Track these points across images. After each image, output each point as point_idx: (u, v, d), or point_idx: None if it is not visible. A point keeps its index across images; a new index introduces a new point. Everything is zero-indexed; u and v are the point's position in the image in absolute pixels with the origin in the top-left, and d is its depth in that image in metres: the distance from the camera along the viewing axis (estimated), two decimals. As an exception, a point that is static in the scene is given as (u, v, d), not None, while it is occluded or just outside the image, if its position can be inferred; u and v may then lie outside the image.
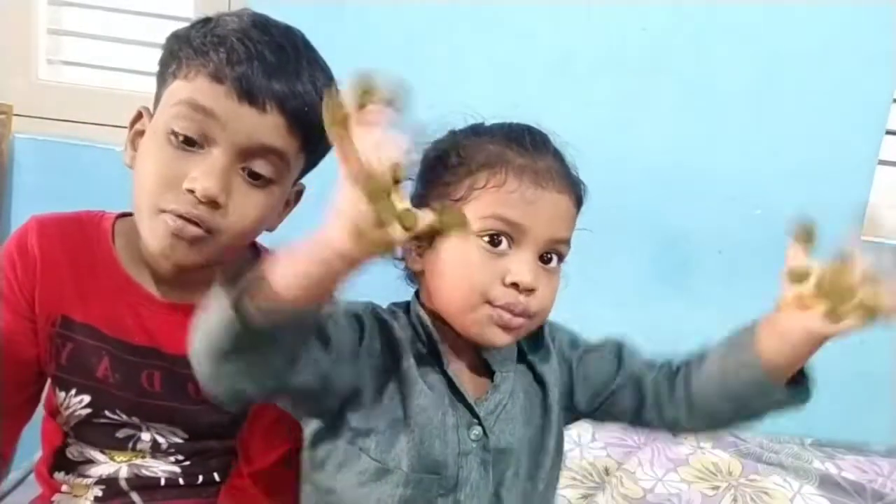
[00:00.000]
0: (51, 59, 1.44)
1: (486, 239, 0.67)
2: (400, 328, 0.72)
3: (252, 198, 0.72)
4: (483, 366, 0.75)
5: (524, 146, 0.70)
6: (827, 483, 1.35)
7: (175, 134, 0.69)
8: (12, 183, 1.41)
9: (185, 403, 0.79)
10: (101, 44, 1.42)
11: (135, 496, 0.83)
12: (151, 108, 0.76)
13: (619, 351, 0.81)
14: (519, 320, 0.68)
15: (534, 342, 0.79)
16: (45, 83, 1.43)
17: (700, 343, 1.52)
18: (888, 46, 1.46)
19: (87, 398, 0.79)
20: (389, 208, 0.47)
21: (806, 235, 0.72)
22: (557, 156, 0.72)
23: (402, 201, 0.48)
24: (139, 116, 0.76)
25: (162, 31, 1.39)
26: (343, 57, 1.52)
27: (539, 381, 0.77)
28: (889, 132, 1.51)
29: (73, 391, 0.79)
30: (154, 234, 0.71)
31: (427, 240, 0.68)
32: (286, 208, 0.81)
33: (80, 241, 0.79)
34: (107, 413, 0.79)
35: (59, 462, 0.84)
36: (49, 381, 0.82)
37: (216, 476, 0.85)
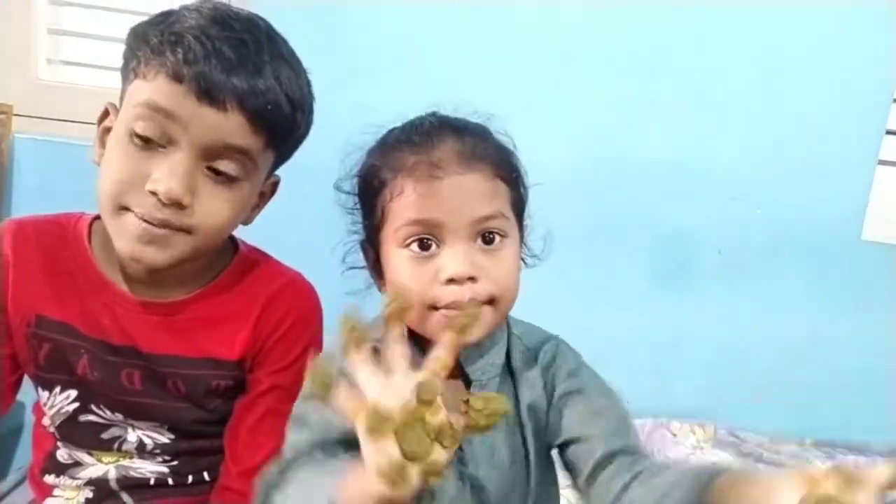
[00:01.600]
0: (51, 59, 1.44)
1: (415, 246, 0.66)
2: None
3: (219, 196, 0.71)
4: (462, 376, 0.73)
5: (414, 141, 0.68)
6: (827, 483, 1.35)
7: (136, 135, 0.68)
8: (12, 183, 1.41)
9: (166, 401, 0.79)
10: (101, 44, 1.42)
11: (125, 496, 0.82)
12: (118, 103, 0.74)
13: (595, 395, 0.76)
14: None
15: (532, 357, 0.76)
16: (45, 83, 1.42)
17: (700, 343, 1.53)
18: (888, 46, 1.46)
19: (73, 393, 0.79)
20: (419, 439, 0.44)
21: None
22: (459, 134, 0.68)
23: (436, 415, 0.45)
24: (106, 113, 0.75)
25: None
26: (343, 57, 1.53)
27: (517, 395, 0.74)
28: (889, 132, 1.51)
29: (58, 388, 0.79)
30: (120, 235, 0.70)
31: (377, 261, 0.71)
32: (261, 200, 0.81)
33: (56, 242, 0.78)
34: (93, 408, 0.79)
35: (50, 465, 0.83)
36: (32, 383, 0.82)
37: (206, 475, 0.85)
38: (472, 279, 0.65)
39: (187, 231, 0.70)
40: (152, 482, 0.83)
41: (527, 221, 0.75)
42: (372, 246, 0.72)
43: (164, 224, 0.68)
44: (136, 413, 0.80)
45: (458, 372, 0.73)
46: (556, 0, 1.43)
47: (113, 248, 0.75)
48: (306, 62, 0.81)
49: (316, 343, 0.83)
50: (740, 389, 1.58)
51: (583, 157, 1.45)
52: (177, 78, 0.66)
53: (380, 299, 0.73)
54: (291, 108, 0.73)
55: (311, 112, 0.79)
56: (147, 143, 0.68)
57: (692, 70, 1.47)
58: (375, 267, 0.73)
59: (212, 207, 0.70)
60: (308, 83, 0.78)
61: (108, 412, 0.80)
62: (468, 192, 0.66)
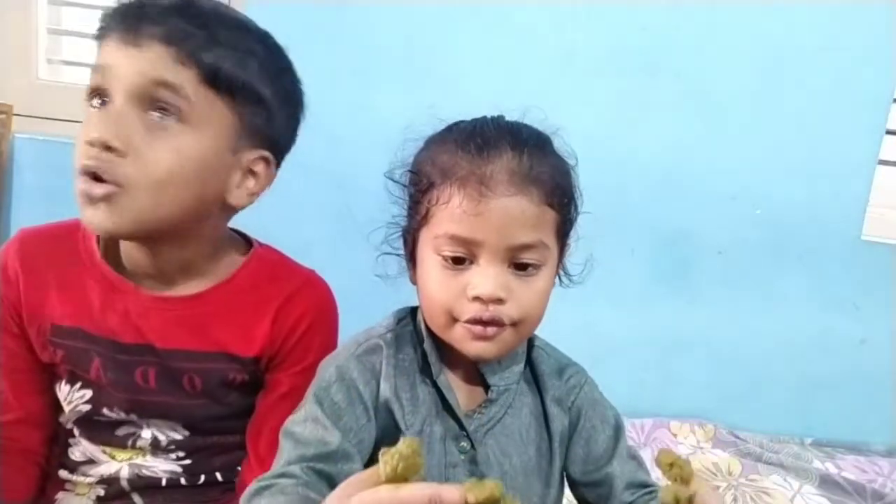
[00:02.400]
0: (51, 59, 1.44)
1: (449, 258, 0.66)
2: (396, 349, 0.73)
3: (158, 141, 0.69)
4: (480, 377, 0.74)
5: (471, 151, 0.66)
6: (827, 483, 1.35)
7: (91, 98, 0.70)
8: (12, 183, 1.41)
9: (181, 398, 0.79)
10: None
11: (136, 497, 0.83)
12: None
13: (616, 438, 0.77)
14: (492, 329, 0.66)
15: (557, 371, 0.78)
16: (45, 83, 1.43)
17: (700, 343, 1.53)
18: (888, 46, 1.46)
19: (88, 393, 0.79)
20: None
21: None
22: (518, 149, 0.66)
23: None
24: None
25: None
26: (343, 57, 1.53)
27: (543, 403, 0.76)
28: (889, 132, 1.51)
29: (79, 384, 0.80)
30: (78, 199, 0.70)
31: (413, 252, 0.72)
32: (249, 178, 0.77)
33: (64, 249, 0.79)
34: (105, 411, 0.80)
35: (64, 461, 0.84)
36: (56, 377, 0.82)
37: (219, 476, 0.85)
38: (498, 300, 0.65)
39: (128, 183, 0.68)
40: (164, 483, 0.83)
41: (571, 240, 0.74)
42: (411, 237, 0.72)
43: (99, 175, 0.67)
44: (151, 412, 0.80)
45: (479, 379, 0.74)
46: (556, 0, 1.43)
47: (120, 248, 0.77)
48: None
49: (332, 341, 0.84)
50: (740, 389, 1.58)
51: (583, 157, 1.45)
52: (106, 36, 0.70)
53: (412, 294, 0.74)
54: (216, 42, 0.71)
55: (280, 74, 0.77)
56: (100, 104, 0.70)
57: (692, 70, 1.47)
58: (411, 257, 0.73)
59: (150, 153, 0.69)
60: (273, 49, 0.77)
61: (123, 413, 0.80)
62: (513, 217, 0.64)
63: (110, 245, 0.79)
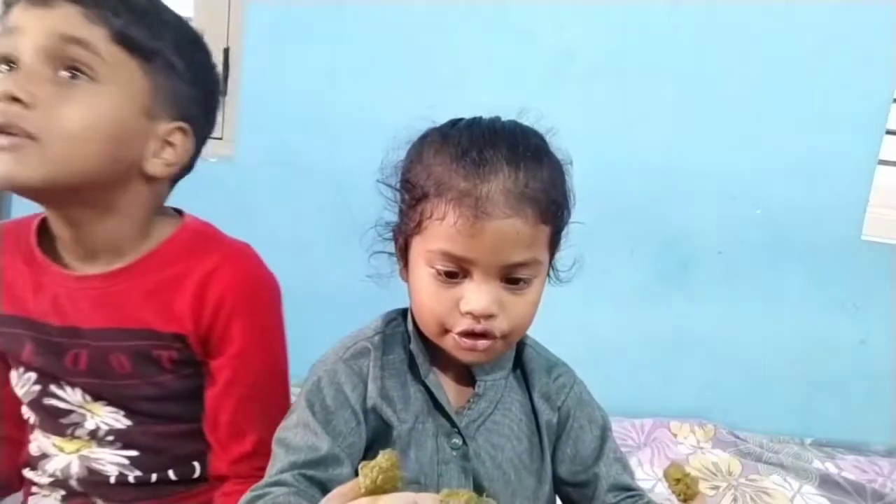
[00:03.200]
0: (51, 59, 1.44)
1: (442, 272, 0.66)
2: (384, 352, 0.74)
3: (68, 96, 0.69)
4: (469, 374, 0.75)
5: (467, 167, 0.65)
6: (827, 483, 1.35)
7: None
8: (12, 183, 1.41)
9: (111, 378, 0.78)
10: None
11: (97, 499, 0.82)
12: None
13: (602, 439, 0.78)
14: (484, 342, 0.68)
15: (546, 369, 0.79)
16: (44, 83, 1.43)
17: (700, 343, 1.53)
18: (888, 46, 1.46)
19: (33, 375, 0.79)
20: None
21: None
22: (514, 165, 0.66)
23: None
24: None
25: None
26: (343, 57, 1.53)
27: (531, 398, 0.77)
28: (889, 132, 1.51)
29: (22, 369, 0.80)
30: None
31: (405, 257, 0.72)
32: (167, 148, 0.76)
33: (16, 240, 0.80)
34: (53, 389, 0.79)
35: (28, 459, 0.84)
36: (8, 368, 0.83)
37: (171, 474, 0.82)
38: (490, 316, 0.66)
39: (39, 136, 0.67)
40: (113, 480, 0.81)
41: (562, 242, 0.74)
42: (403, 241, 0.72)
43: (5, 128, 0.66)
44: (93, 391, 0.79)
45: (467, 377, 0.75)
46: (556, 0, 1.43)
47: (54, 232, 0.76)
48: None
49: (263, 322, 0.81)
50: (740, 389, 1.58)
51: (583, 158, 1.45)
52: (14, 3, 0.69)
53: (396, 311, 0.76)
54: (127, 5, 0.71)
55: (190, 43, 0.77)
56: (6, 65, 0.69)
57: (692, 70, 1.47)
58: (402, 255, 0.73)
59: (61, 108, 0.68)
60: (184, 26, 0.77)
61: (69, 389, 0.79)
62: (508, 238, 0.65)
63: (46, 232, 0.78)
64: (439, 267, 0.66)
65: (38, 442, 0.82)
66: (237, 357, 0.78)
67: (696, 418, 1.51)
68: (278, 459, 0.68)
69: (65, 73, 0.68)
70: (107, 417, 0.80)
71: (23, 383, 0.80)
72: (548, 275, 0.73)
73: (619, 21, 1.45)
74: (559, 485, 0.78)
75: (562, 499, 0.79)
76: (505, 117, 0.74)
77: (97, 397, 0.79)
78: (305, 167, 1.46)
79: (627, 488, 0.75)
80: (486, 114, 0.78)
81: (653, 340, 1.55)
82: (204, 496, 0.83)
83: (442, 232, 0.65)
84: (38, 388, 0.79)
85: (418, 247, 0.68)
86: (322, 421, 0.69)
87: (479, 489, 0.71)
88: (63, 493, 0.82)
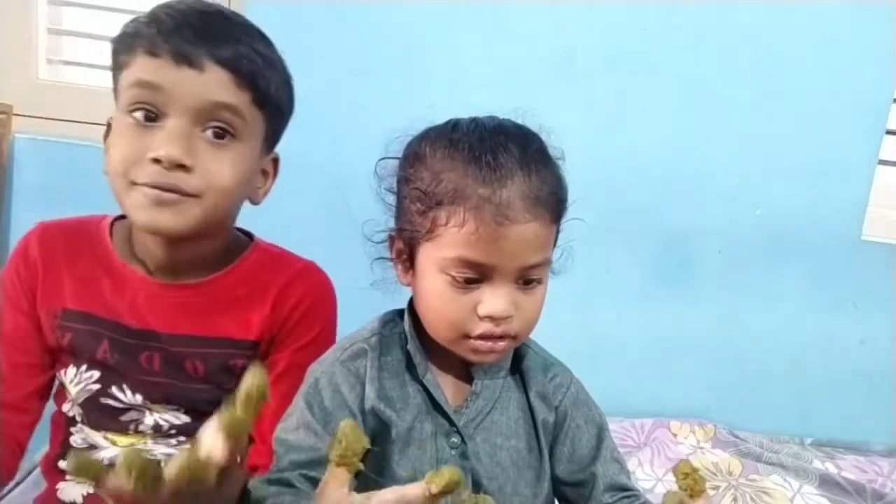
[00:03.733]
0: (51, 59, 1.44)
1: (459, 279, 0.66)
2: (381, 352, 0.75)
3: (220, 156, 0.75)
4: (468, 373, 0.76)
5: (483, 173, 0.65)
6: (827, 483, 1.35)
7: (133, 113, 0.73)
8: (12, 183, 1.41)
9: (184, 381, 0.82)
10: (101, 44, 1.42)
11: None
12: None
13: (600, 439, 0.78)
14: (501, 344, 0.69)
15: (543, 368, 0.80)
16: (45, 83, 1.42)
17: (700, 343, 1.53)
18: (888, 46, 1.46)
19: (96, 373, 0.82)
20: None
21: None
22: (527, 170, 0.67)
23: None
24: (108, 127, 0.80)
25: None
26: (343, 57, 1.53)
27: (528, 396, 0.78)
28: (889, 132, 1.51)
29: (84, 367, 0.82)
30: (136, 207, 0.73)
31: (409, 256, 0.72)
32: (265, 178, 0.84)
33: (80, 240, 0.84)
34: (114, 391, 0.82)
35: (65, 452, 0.85)
36: (61, 364, 0.84)
37: None
38: (509, 318, 0.67)
39: (195, 195, 0.73)
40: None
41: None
42: (407, 245, 0.71)
43: (172, 188, 0.72)
44: (155, 394, 0.82)
45: (465, 375, 0.76)
46: (556, 0, 1.43)
47: (133, 241, 0.82)
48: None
49: (332, 325, 0.88)
50: (740, 389, 1.58)
51: (583, 158, 1.45)
52: (154, 53, 0.72)
53: (401, 290, 0.75)
54: (265, 62, 0.78)
55: (290, 83, 0.83)
56: (144, 120, 0.73)
57: (692, 70, 1.47)
58: (401, 258, 0.73)
59: (214, 168, 0.74)
60: (281, 59, 0.82)
61: (129, 393, 0.82)
62: (527, 242, 0.66)
63: (124, 240, 0.83)
64: (457, 274, 0.66)
65: (84, 434, 0.84)
66: (296, 352, 0.84)
67: (696, 418, 1.51)
68: (280, 459, 0.69)
69: (209, 132, 0.74)
70: (166, 415, 0.84)
71: (81, 381, 0.82)
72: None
73: (619, 21, 1.45)
74: (556, 484, 0.79)
75: (559, 498, 0.80)
76: (501, 116, 0.75)
77: (159, 400, 0.83)
78: (305, 167, 1.46)
79: (624, 488, 0.76)
80: (485, 113, 0.78)
81: (653, 340, 1.55)
82: None
83: (461, 239, 0.65)
84: (97, 387, 0.82)
85: (430, 253, 0.68)
86: (322, 421, 0.70)
87: (477, 487, 0.72)
88: None
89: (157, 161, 0.71)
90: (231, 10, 0.80)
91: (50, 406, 0.89)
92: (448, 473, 0.51)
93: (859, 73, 1.48)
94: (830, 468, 1.40)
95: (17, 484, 1.07)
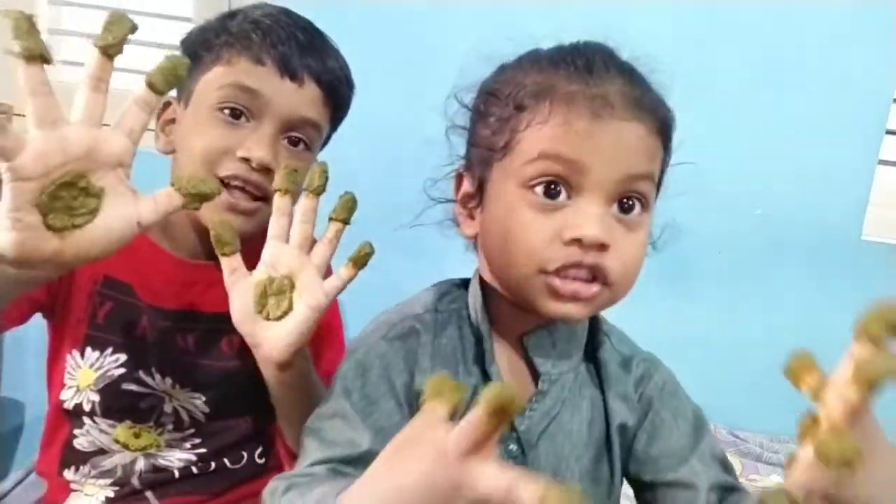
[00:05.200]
0: (51, 59, 1.44)
1: (540, 189, 0.54)
2: (436, 332, 0.63)
3: (293, 163, 0.77)
4: (532, 368, 0.63)
5: (576, 68, 0.57)
6: (827, 483, 1.35)
7: (222, 110, 0.76)
8: (12, 183, 1.41)
9: (219, 360, 0.83)
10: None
11: (149, 495, 0.83)
12: (178, 97, 0.82)
13: (695, 434, 0.68)
14: (591, 288, 0.55)
15: (623, 362, 0.68)
16: (44, 83, 1.42)
17: (700, 343, 1.52)
18: (888, 46, 1.46)
19: (122, 357, 0.81)
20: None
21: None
22: (627, 76, 0.58)
23: None
24: (167, 105, 0.82)
25: (162, 31, 1.39)
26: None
27: (604, 397, 0.66)
28: (889, 132, 1.51)
29: (110, 349, 0.81)
30: (210, 206, 0.72)
31: (478, 196, 0.61)
32: None
33: None
34: (140, 374, 0.81)
35: (68, 457, 0.84)
36: (70, 346, 0.82)
37: (227, 462, 0.87)
38: (602, 246, 0.55)
39: (268, 201, 0.76)
40: (177, 475, 0.84)
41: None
42: (477, 178, 0.60)
43: (258, 185, 0.76)
44: (185, 377, 0.83)
45: (527, 367, 0.64)
46: (556, 0, 1.43)
47: (167, 223, 0.80)
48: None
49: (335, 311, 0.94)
50: (740, 389, 1.58)
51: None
52: (260, 60, 0.75)
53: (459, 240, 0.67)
54: (349, 87, 0.85)
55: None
56: (235, 119, 0.76)
57: (691, 70, 1.47)
58: (467, 204, 0.63)
59: None
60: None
61: (158, 377, 0.82)
62: (629, 144, 0.55)
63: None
64: (541, 179, 0.54)
65: (92, 437, 0.83)
66: (324, 338, 0.87)
67: (696, 418, 1.51)
68: (310, 452, 0.59)
69: (287, 141, 0.79)
70: (187, 403, 0.84)
71: (103, 366, 0.81)
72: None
73: (619, 21, 1.44)
74: (640, 490, 0.67)
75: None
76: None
77: (187, 383, 0.83)
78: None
79: (731, 488, 0.65)
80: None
81: (652, 340, 1.54)
82: (250, 487, 0.87)
83: (548, 135, 0.54)
84: (121, 371, 0.81)
85: (507, 170, 0.57)
86: (361, 412, 0.59)
87: None
88: (115, 490, 0.83)
89: (245, 160, 0.75)
90: (314, 24, 0.85)
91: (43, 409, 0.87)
92: (498, 389, 0.39)
93: (859, 73, 1.47)
94: (830, 468, 1.40)
95: (18, 483, 1.07)
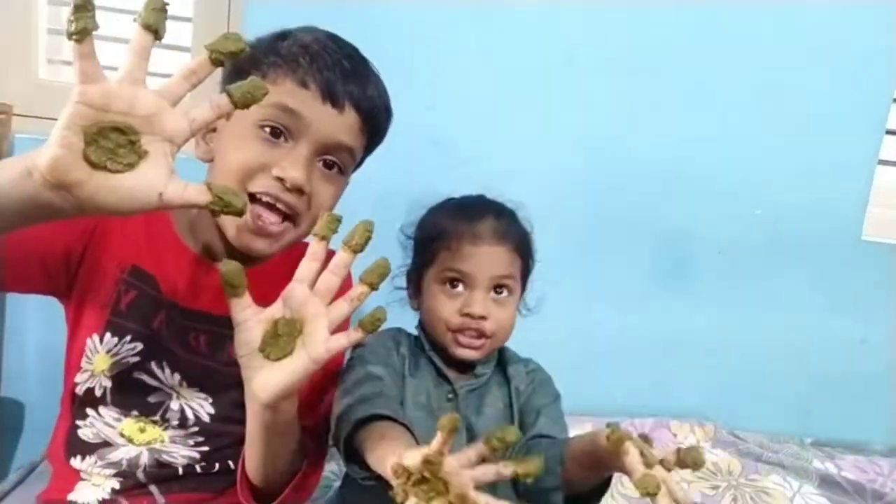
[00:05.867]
0: (51, 59, 1.44)
1: (448, 286, 0.91)
2: (403, 343, 0.97)
3: (327, 186, 0.81)
4: (466, 367, 0.96)
5: (465, 215, 0.92)
6: (827, 483, 1.35)
7: (263, 128, 0.78)
8: (12, 183, 1.41)
9: (227, 364, 0.83)
10: (101, 44, 1.42)
11: (153, 489, 0.84)
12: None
13: (550, 402, 0.94)
14: (479, 341, 0.91)
15: (521, 363, 0.99)
16: (45, 83, 1.43)
17: (700, 343, 1.52)
18: (888, 46, 1.46)
19: (139, 346, 0.82)
20: None
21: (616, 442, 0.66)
22: (498, 216, 0.93)
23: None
24: None
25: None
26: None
27: (508, 381, 0.96)
28: (889, 132, 1.51)
29: (128, 337, 0.82)
30: (237, 226, 0.78)
31: (417, 286, 0.96)
32: None
33: (154, 218, 0.86)
34: (153, 366, 0.82)
35: (74, 445, 0.85)
36: (89, 329, 0.83)
37: (231, 464, 0.87)
38: (483, 318, 0.89)
39: (299, 217, 0.80)
40: (181, 471, 0.85)
41: (530, 284, 0.97)
42: (416, 276, 0.96)
43: (289, 205, 0.78)
44: (193, 376, 0.84)
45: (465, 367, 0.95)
46: (556, 0, 1.43)
47: (196, 225, 0.85)
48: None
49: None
50: (740, 389, 1.58)
51: (583, 157, 1.46)
52: (304, 83, 0.78)
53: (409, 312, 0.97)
54: (387, 115, 0.87)
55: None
56: (274, 138, 0.78)
57: (692, 70, 1.47)
58: (414, 291, 0.97)
59: (321, 196, 0.81)
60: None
61: (168, 371, 0.83)
62: (495, 259, 0.90)
63: (186, 223, 0.86)
64: (447, 278, 0.91)
65: (97, 429, 0.84)
66: (331, 379, 0.87)
67: (696, 418, 1.51)
68: (339, 397, 0.83)
69: (321, 164, 0.81)
70: (193, 402, 0.85)
71: (120, 352, 0.82)
72: (518, 310, 0.95)
73: (619, 21, 1.45)
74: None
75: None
76: (487, 189, 0.97)
77: (194, 383, 0.84)
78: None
79: (546, 436, 0.87)
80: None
81: (653, 340, 1.55)
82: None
83: (449, 256, 0.91)
84: (136, 359, 0.82)
85: (430, 273, 0.93)
86: (376, 360, 0.88)
87: (470, 437, 0.88)
88: (119, 481, 0.84)
89: (279, 179, 0.76)
90: (360, 51, 0.86)
91: (50, 399, 0.87)
92: (447, 419, 0.56)
93: (859, 73, 1.48)
94: (830, 468, 1.40)
95: (19, 483, 1.07)
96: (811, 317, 1.57)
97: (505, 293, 0.92)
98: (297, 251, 0.85)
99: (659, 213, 1.51)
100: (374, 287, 0.66)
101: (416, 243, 0.99)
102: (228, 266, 0.63)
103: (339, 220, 0.67)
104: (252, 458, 0.76)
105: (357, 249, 0.66)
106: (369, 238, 0.66)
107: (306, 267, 0.67)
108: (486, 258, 0.90)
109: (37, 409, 1.42)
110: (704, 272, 1.54)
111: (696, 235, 1.53)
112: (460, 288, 0.91)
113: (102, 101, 0.54)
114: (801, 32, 1.47)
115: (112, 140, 0.54)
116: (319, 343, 0.64)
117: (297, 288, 0.66)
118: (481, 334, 0.90)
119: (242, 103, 0.57)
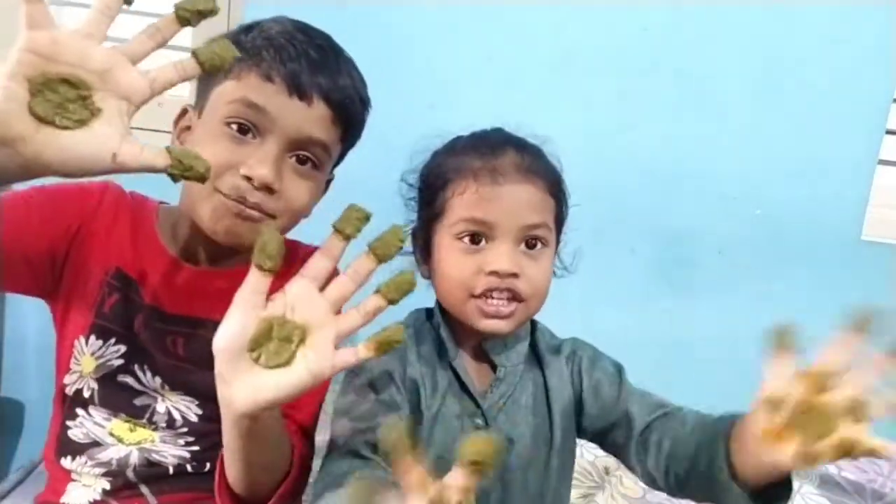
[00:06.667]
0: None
1: (466, 239, 0.74)
2: (417, 342, 0.81)
3: (300, 183, 0.78)
4: (492, 363, 0.81)
5: (481, 150, 0.76)
6: (827, 483, 1.35)
7: (230, 125, 0.75)
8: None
9: (205, 368, 0.81)
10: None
11: (144, 489, 0.83)
12: (194, 106, 0.82)
13: (620, 381, 0.83)
14: (510, 307, 0.74)
15: (555, 349, 0.85)
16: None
17: (699, 343, 1.53)
18: (888, 46, 1.46)
19: (123, 349, 0.82)
20: None
21: (784, 343, 0.62)
22: (520, 149, 0.76)
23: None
24: (184, 113, 0.82)
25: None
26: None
27: (544, 377, 0.82)
28: (889, 132, 1.51)
29: (112, 340, 0.82)
30: (215, 213, 0.75)
31: (425, 248, 0.80)
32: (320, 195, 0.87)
33: (137, 211, 0.86)
34: (136, 369, 0.82)
35: (64, 445, 0.84)
36: (77, 331, 0.83)
37: None
38: (514, 275, 0.72)
39: (272, 216, 0.76)
40: (171, 471, 0.84)
41: (563, 236, 0.83)
42: (423, 235, 0.80)
43: (255, 207, 0.75)
44: (175, 380, 0.83)
45: (486, 360, 0.81)
46: (556, 0, 1.43)
47: (174, 228, 0.84)
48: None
49: None
50: (740, 389, 1.57)
51: (583, 157, 1.45)
52: (269, 77, 0.74)
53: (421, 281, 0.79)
54: (362, 105, 0.83)
55: (368, 114, 0.87)
56: (241, 134, 0.75)
57: (692, 70, 1.47)
58: (422, 253, 0.81)
59: (294, 193, 0.78)
60: (366, 87, 0.86)
61: (149, 374, 0.82)
62: (522, 201, 0.73)
63: (169, 226, 0.85)
64: (464, 232, 0.73)
65: (87, 429, 0.83)
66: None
67: (696, 418, 1.51)
68: (336, 428, 0.73)
69: (294, 160, 0.78)
70: (180, 405, 0.84)
71: (104, 355, 0.81)
72: (553, 270, 0.80)
73: (619, 21, 1.45)
74: (602, 439, 0.83)
75: (610, 451, 0.84)
76: (504, 123, 0.82)
77: (177, 386, 0.83)
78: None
79: (661, 405, 0.81)
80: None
81: (653, 340, 1.55)
82: None
83: (465, 201, 0.73)
84: (120, 362, 0.82)
85: (442, 228, 0.76)
86: (377, 382, 0.75)
87: (504, 471, 0.77)
88: (109, 481, 0.83)
89: (247, 178, 0.74)
90: (334, 41, 0.84)
91: (49, 399, 0.87)
92: (479, 440, 0.47)
93: (859, 73, 1.47)
94: (830, 468, 1.40)
95: (19, 483, 1.07)
96: (811, 317, 1.56)
97: (539, 246, 0.74)
98: (291, 254, 0.83)
99: (659, 213, 1.51)
100: (393, 303, 0.59)
101: (420, 193, 0.82)
102: (267, 231, 0.57)
103: (367, 217, 0.59)
104: (230, 467, 0.69)
105: (383, 260, 0.60)
106: (400, 247, 0.59)
107: (320, 264, 0.60)
108: (512, 200, 0.72)
109: (36, 408, 1.43)
110: (704, 272, 1.54)
111: (697, 235, 1.52)
112: (483, 242, 0.73)
113: (50, 49, 0.51)
114: (801, 32, 1.47)
115: (60, 94, 0.51)
116: (325, 359, 0.57)
117: (305, 285, 0.59)
118: (513, 296, 0.73)
119: (210, 65, 0.54)
